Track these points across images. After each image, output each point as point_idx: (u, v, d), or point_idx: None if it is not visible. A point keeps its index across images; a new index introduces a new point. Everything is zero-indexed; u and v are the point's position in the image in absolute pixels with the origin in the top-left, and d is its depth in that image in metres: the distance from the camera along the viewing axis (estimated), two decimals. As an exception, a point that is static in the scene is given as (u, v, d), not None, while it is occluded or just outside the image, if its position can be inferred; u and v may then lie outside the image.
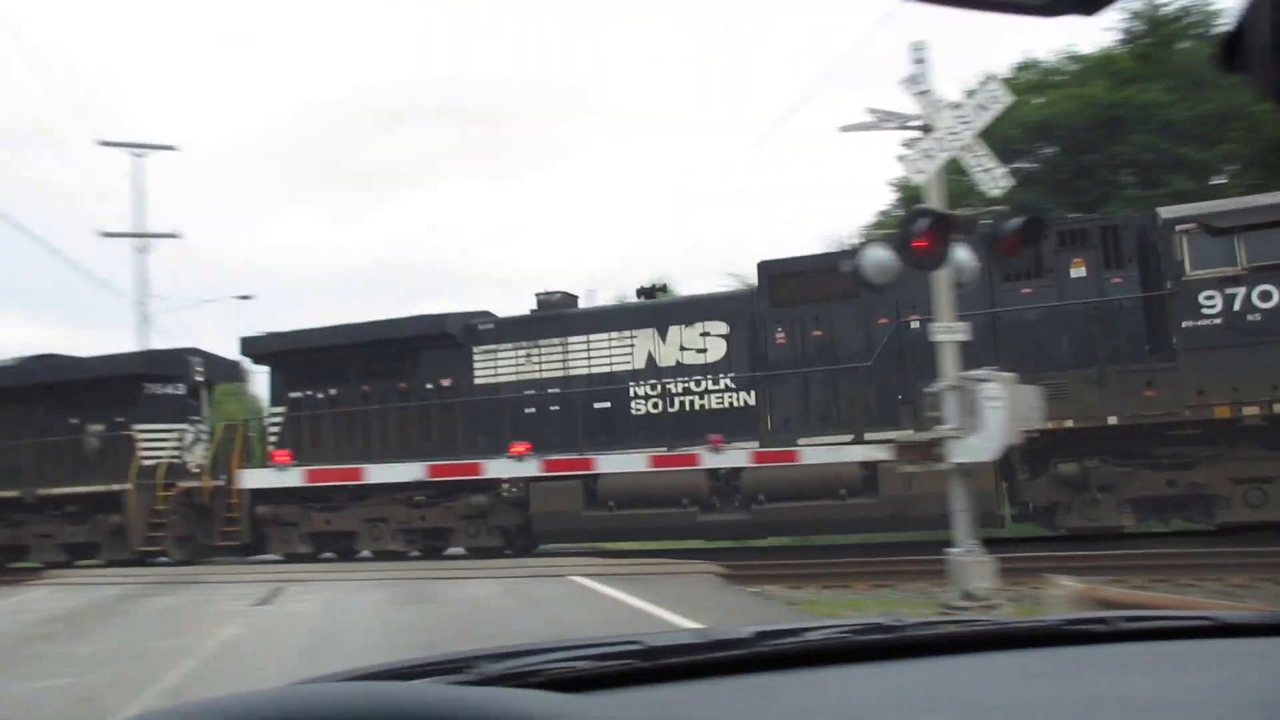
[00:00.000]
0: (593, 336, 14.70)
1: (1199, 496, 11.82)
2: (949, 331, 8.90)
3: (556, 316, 15.18)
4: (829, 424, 13.35)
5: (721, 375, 13.96)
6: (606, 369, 14.53)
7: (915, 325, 13.15)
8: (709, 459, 13.17)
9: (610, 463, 13.65)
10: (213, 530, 16.35)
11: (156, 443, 17.12)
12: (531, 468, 13.90)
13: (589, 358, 14.66)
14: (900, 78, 8.78)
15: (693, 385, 14.06)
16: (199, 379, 18.00)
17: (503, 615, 9.42)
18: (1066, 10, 0.97)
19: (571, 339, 14.79)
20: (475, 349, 15.28)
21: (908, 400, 12.87)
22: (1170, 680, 1.30)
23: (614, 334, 14.58)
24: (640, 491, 13.62)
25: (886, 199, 27.10)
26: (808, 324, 13.68)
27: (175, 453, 17.17)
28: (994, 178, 8.46)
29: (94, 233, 30.32)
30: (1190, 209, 12.17)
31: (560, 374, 14.77)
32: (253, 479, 15.59)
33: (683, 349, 14.21)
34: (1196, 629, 1.54)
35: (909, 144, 11.20)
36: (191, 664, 7.44)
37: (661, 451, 13.55)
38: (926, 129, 8.65)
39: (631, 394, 14.28)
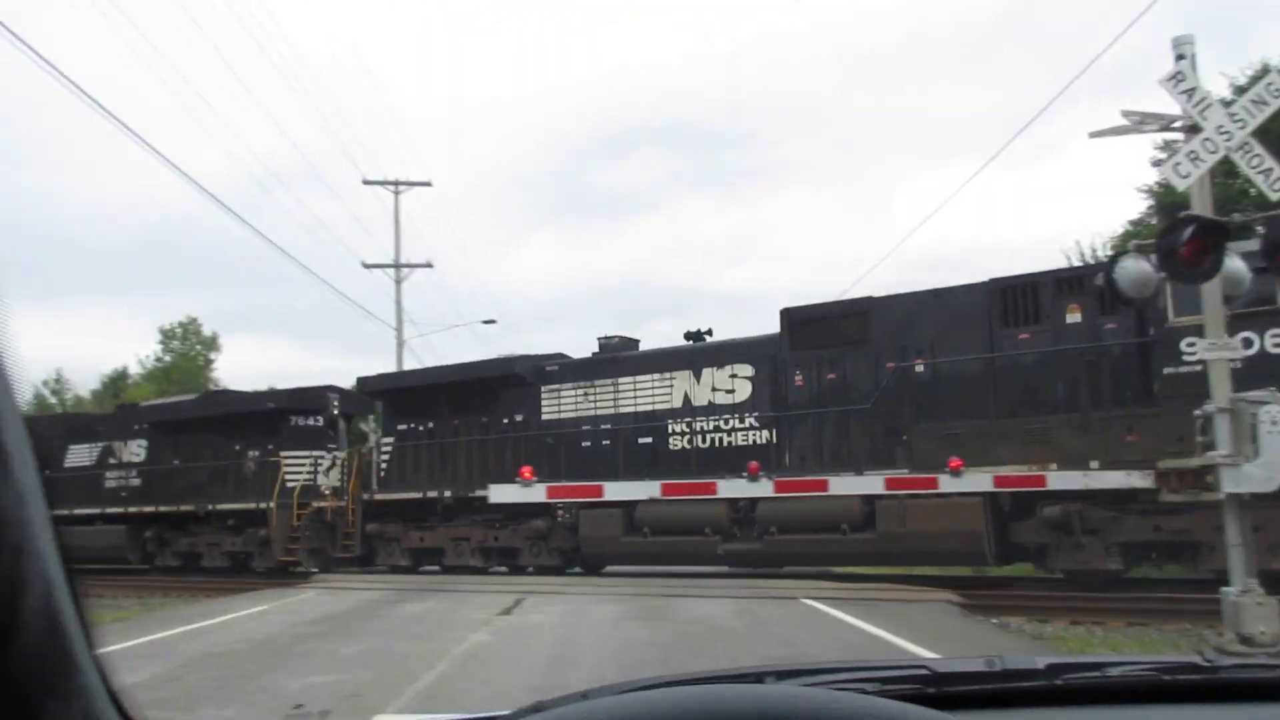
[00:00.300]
0: (639, 378, 16.17)
1: (1185, 543, 11.84)
2: (1220, 349, 8.18)
3: (611, 359, 16.77)
4: (839, 461, 14.17)
5: (747, 414, 15.07)
6: (650, 407, 15.96)
7: (920, 369, 13.81)
8: (946, 483, 12.88)
9: (841, 484, 13.63)
10: (336, 544, 18.99)
11: (297, 467, 20.02)
12: (765, 488, 14.18)
13: (635, 397, 16.13)
14: (1161, 76, 8.16)
15: (722, 423, 15.24)
16: (335, 412, 20.81)
17: (734, 635, 9.44)
18: None
19: (622, 380, 16.33)
20: (543, 388, 17.10)
21: (905, 440, 13.56)
22: None
23: (657, 375, 15.99)
24: (670, 521, 14.94)
25: (1139, 207, 26.26)
26: (823, 367, 14.57)
27: (311, 476, 19.99)
28: (1274, 179, 7.83)
29: (358, 263, 32.90)
30: (1175, 255, 12.21)
31: (612, 411, 16.31)
32: (499, 493, 16.53)
33: (714, 389, 15.43)
34: None
35: (1167, 146, 10.60)
36: (444, 667, 7.84)
37: (898, 474, 13.47)
38: (1193, 129, 8.08)
39: (669, 430, 15.64)
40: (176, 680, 7.68)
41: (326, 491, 19.71)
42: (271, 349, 73.00)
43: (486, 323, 34.77)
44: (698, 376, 15.61)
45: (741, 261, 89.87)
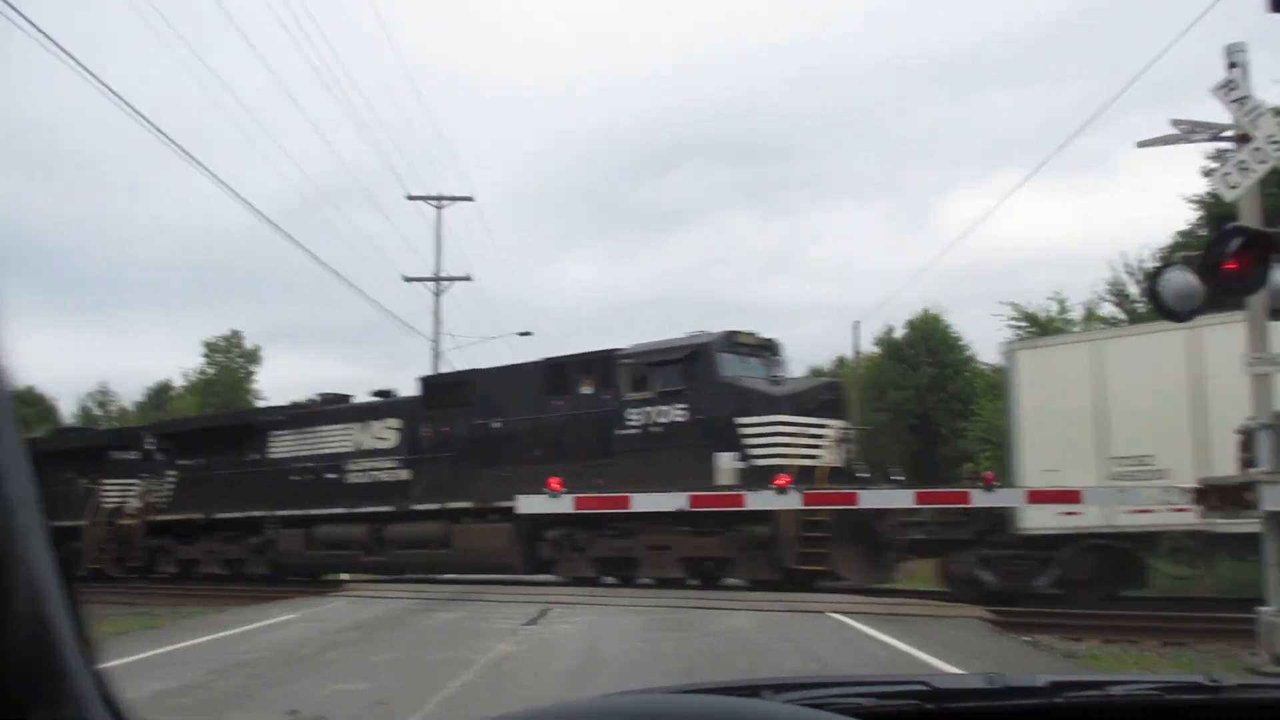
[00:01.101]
0: (332, 427, 20.81)
1: (630, 558, 16.20)
2: (1264, 363, 8.00)
3: (318, 412, 21.49)
4: (446, 495, 18.63)
5: (393, 457, 19.64)
6: (336, 450, 20.56)
7: (496, 426, 18.27)
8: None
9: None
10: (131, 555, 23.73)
11: (112, 492, 24.79)
12: (794, 500, 13.88)
13: (327, 441, 20.76)
14: (1212, 84, 8.04)
15: (378, 463, 19.82)
16: (149, 448, 25.58)
17: (759, 649, 9.40)
18: None
19: (321, 428, 20.97)
20: (271, 434, 21.77)
21: (473, 481, 18.07)
22: None
23: (342, 425, 20.62)
24: (335, 539, 19.55)
25: (1189, 217, 25.54)
26: (441, 423, 19.08)
27: (122, 500, 24.75)
28: None
29: (399, 277, 32.05)
30: (631, 348, 16.67)
31: (312, 452, 20.94)
32: (527, 504, 16.30)
33: (375, 437, 20.01)
34: None
35: (1219, 156, 9.93)
36: (469, 676, 7.89)
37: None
38: (1243, 138, 7.91)
39: (346, 468, 20.24)
40: (204, 687, 7.72)
41: (132, 513, 24.46)
42: (314, 361, 76.23)
43: (522, 335, 36.78)
44: (365, 427, 20.21)
45: (782, 272, 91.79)
